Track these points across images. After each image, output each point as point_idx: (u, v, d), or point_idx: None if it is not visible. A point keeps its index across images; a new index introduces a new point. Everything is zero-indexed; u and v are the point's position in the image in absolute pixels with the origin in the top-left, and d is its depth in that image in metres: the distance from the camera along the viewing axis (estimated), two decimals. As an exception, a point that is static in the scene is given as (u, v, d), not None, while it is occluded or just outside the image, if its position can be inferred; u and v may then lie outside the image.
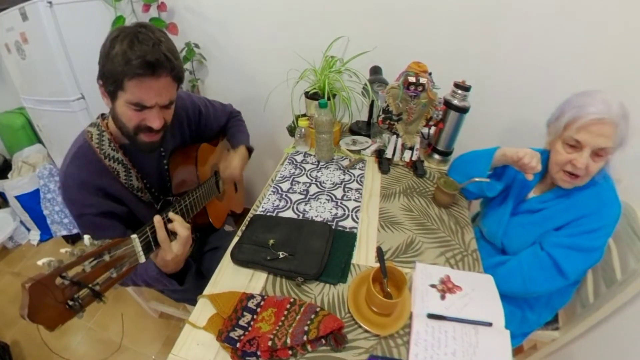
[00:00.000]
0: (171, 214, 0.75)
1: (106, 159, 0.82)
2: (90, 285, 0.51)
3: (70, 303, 0.49)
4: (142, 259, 0.64)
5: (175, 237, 0.74)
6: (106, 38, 0.72)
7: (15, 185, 1.92)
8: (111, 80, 0.71)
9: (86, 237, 0.53)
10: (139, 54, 0.67)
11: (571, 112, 0.81)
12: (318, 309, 0.72)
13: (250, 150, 1.19)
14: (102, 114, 0.87)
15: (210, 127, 1.15)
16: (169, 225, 0.73)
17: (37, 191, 1.97)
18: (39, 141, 2.09)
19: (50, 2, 1.29)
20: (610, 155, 0.80)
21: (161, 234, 0.70)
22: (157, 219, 0.70)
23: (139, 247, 0.63)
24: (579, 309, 1.04)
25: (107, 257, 0.55)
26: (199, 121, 1.09)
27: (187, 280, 0.86)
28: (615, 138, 0.77)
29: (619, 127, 0.77)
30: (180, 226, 0.73)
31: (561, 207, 0.88)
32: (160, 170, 0.97)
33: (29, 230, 2.12)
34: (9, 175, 1.98)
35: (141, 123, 0.76)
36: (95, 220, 0.80)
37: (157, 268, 0.79)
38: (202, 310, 0.75)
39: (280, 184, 1.13)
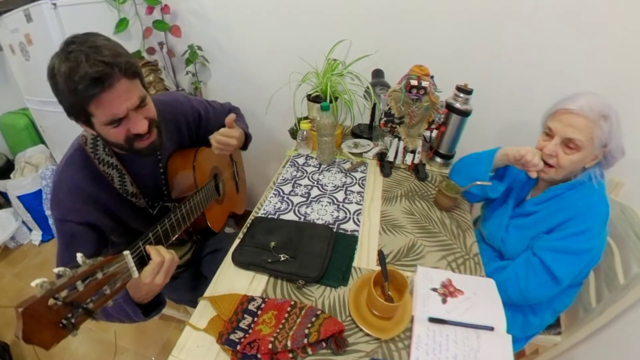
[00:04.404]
0: (148, 247, 0.71)
1: (100, 164, 0.80)
2: (83, 305, 0.51)
3: (64, 322, 0.48)
4: (135, 275, 0.64)
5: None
6: (47, 71, 0.67)
7: (18, 185, 1.93)
8: (76, 113, 0.68)
9: (79, 256, 0.52)
10: (80, 76, 0.62)
11: (554, 106, 0.85)
12: (319, 312, 0.71)
13: (248, 137, 1.15)
14: None
15: (212, 128, 1.12)
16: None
17: (39, 191, 1.98)
18: (42, 142, 2.10)
19: (54, 4, 1.29)
20: (587, 152, 0.80)
21: (156, 259, 0.68)
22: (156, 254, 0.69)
23: (131, 263, 0.63)
24: (581, 313, 1.03)
25: (99, 275, 0.54)
26: (198, 125, 1.07)
27: (152, 316, 0.81)
28: (589, 134, 0.78)
29: (595, 125, 0.77)
30: (155, 253, 0.70)
31: (551, 209, 0.88)
32: (155, 176, 0.94)
33: (30, 230, 2.13)
34: (11, 176, 1.99)
35: (128, 134, 0.73)
36: (75, 230, 0.77)
37: (126, 291, 0.72)
38: (203, 312, 0.75)
39: (281, 187, 1.13)
